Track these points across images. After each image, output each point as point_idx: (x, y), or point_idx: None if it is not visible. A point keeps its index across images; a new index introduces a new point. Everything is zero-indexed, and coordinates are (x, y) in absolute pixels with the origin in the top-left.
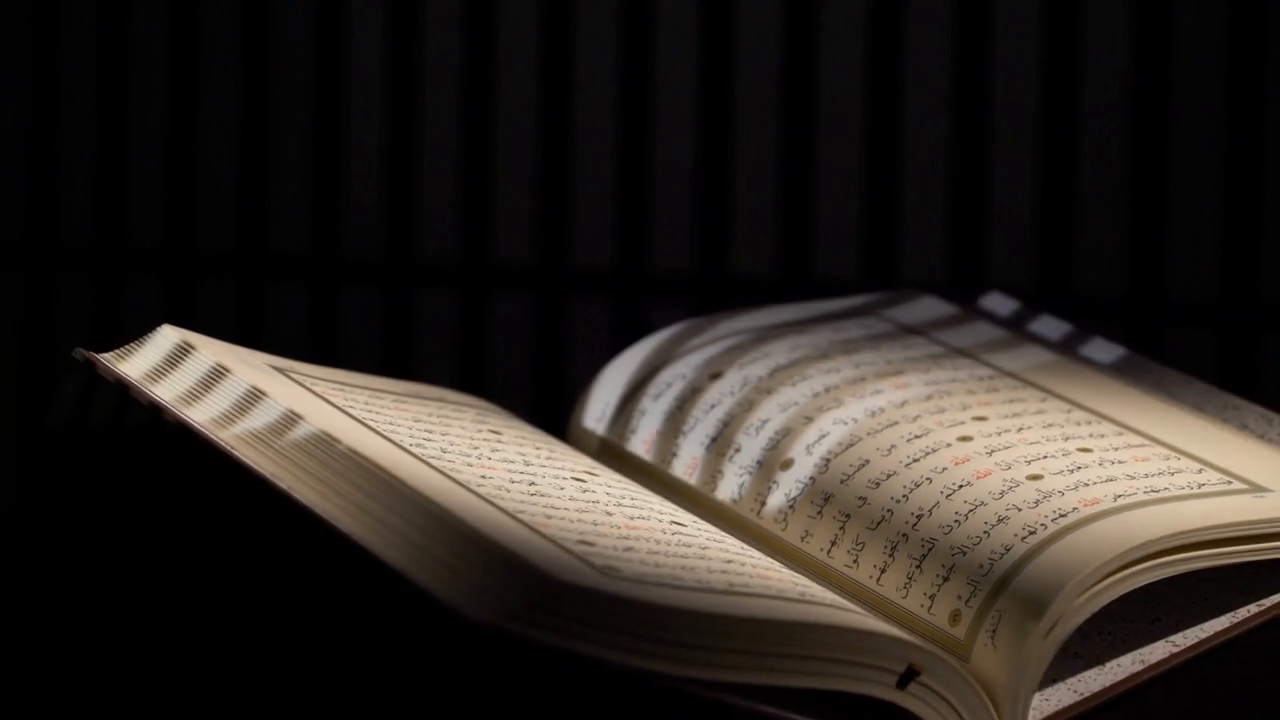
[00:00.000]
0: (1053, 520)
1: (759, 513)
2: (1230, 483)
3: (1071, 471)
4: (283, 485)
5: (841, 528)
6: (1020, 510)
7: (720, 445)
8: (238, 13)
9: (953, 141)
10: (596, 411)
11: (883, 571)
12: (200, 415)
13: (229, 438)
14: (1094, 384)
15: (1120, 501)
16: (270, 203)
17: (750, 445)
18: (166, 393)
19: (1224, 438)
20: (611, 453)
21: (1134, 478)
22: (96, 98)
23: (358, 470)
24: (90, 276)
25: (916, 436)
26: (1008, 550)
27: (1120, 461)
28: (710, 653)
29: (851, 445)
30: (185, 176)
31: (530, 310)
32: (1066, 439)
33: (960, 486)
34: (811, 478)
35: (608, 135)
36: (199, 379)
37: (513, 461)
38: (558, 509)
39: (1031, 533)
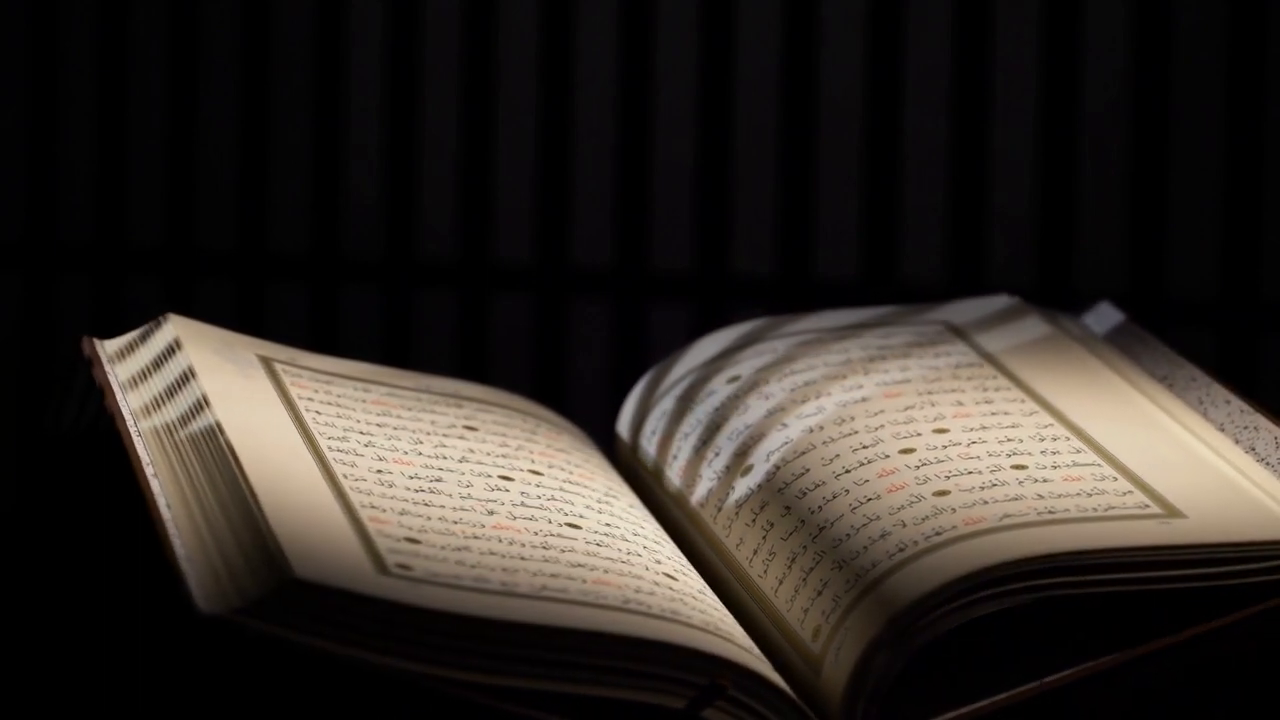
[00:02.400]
0: (925, 539)
1: (715, 518)
2: (1148, 506)
3: (983, 489)
4: (148, 468)
5: (764, 536)
6: (905, 526)
7: (704, 449)
8: (238, 13)
9: (953, 141)
10: (628, 413)
11: (780, 583)
12: (132, 398)
13: (134, 415)
14: (1115, 393)
15: (1005, 521)
16: (270, 203)
17: (727, 449)
18: (123, 374)
19: (1202, 459)
20: (635, 456)
21: (1043, 497)
22: (96, 98)
23: (221, 459)
24: (90, 276)
25: (864, 446)
26: (874, 567)
27: (1046, 480)
28: (484, 658)
29: (803, 453)
30: (185, 176)
31: (530, 310)
32: (1011, 454)
33: (867, 500)
34: (759, 484)
35: (608, 135)
36: (155, 363)
37: (443, 458)
38: (429, 505)
39: (901, 550)
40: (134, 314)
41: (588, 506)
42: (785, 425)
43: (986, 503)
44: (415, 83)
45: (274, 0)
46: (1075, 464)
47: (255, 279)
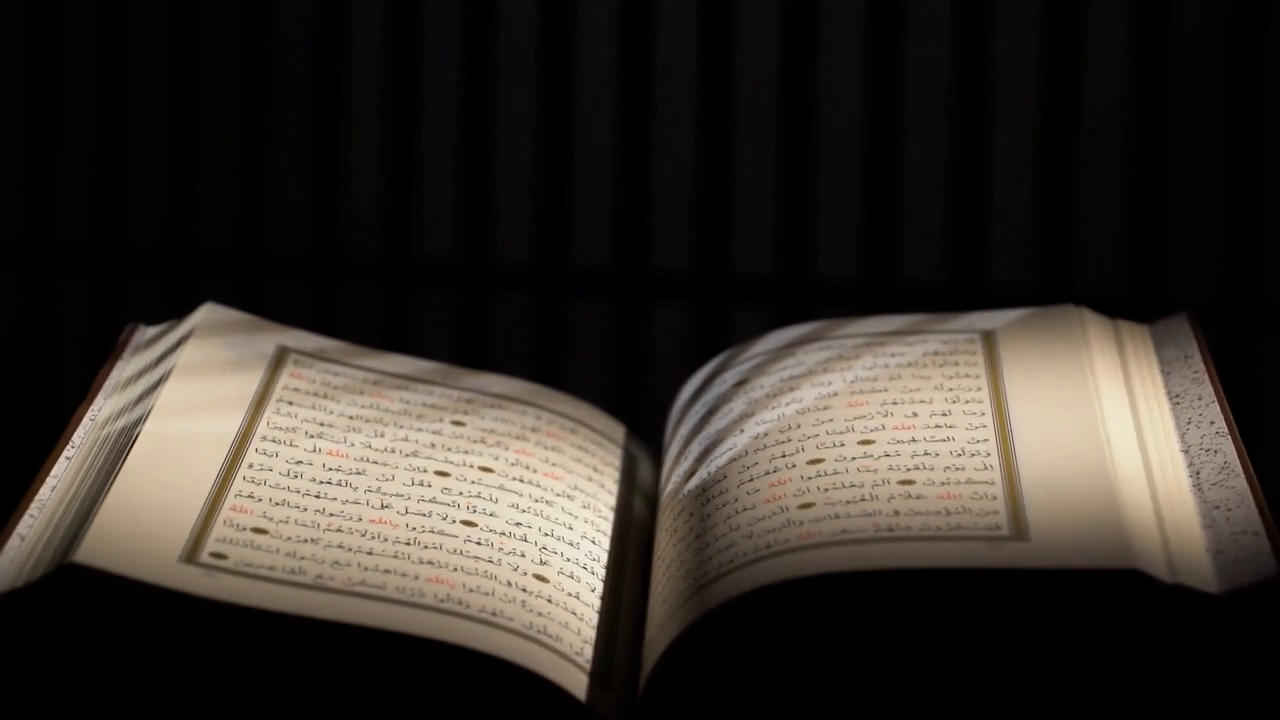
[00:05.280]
0: (756, 551)
1: (660, 522)
2: (997, 528)
3: (849, 503)
4: (68, 450)
5: (667, 541)
6: (750, 538)
7: (684, 450)
8: (238, 13)
9: (953, 141)
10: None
11: (655, 589)
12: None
13: (105, 402)
14: (1089, 407)
15: (838, 537)
16: (270, 203)
17: (694, 453)
18: (131, 362)
19: (1113, 481)
20: (659, 455)
21: (898, 514)
22: (96, 98)
23: (122, 447)
24: (90, 276)
25: (783, 456)
26: (703, 578)
27: (920, 497)
28: (265, 648)
29: (735, 460)
30: (185, 176)
31: (530, 310)
32: (911, 469)
33: (743, 511)
34: (692, 489)
35: (608, 135)
36: (159, 352)
37: (390, 452)
38: (320, 498)
39: (730, 562)
40: (134, 314)
41: (512, 505)
42: (743, 430)
43: (838, 517)
44: (415, 83)
45: (274, 0)
46: (969, 481)
47: (255, 279)
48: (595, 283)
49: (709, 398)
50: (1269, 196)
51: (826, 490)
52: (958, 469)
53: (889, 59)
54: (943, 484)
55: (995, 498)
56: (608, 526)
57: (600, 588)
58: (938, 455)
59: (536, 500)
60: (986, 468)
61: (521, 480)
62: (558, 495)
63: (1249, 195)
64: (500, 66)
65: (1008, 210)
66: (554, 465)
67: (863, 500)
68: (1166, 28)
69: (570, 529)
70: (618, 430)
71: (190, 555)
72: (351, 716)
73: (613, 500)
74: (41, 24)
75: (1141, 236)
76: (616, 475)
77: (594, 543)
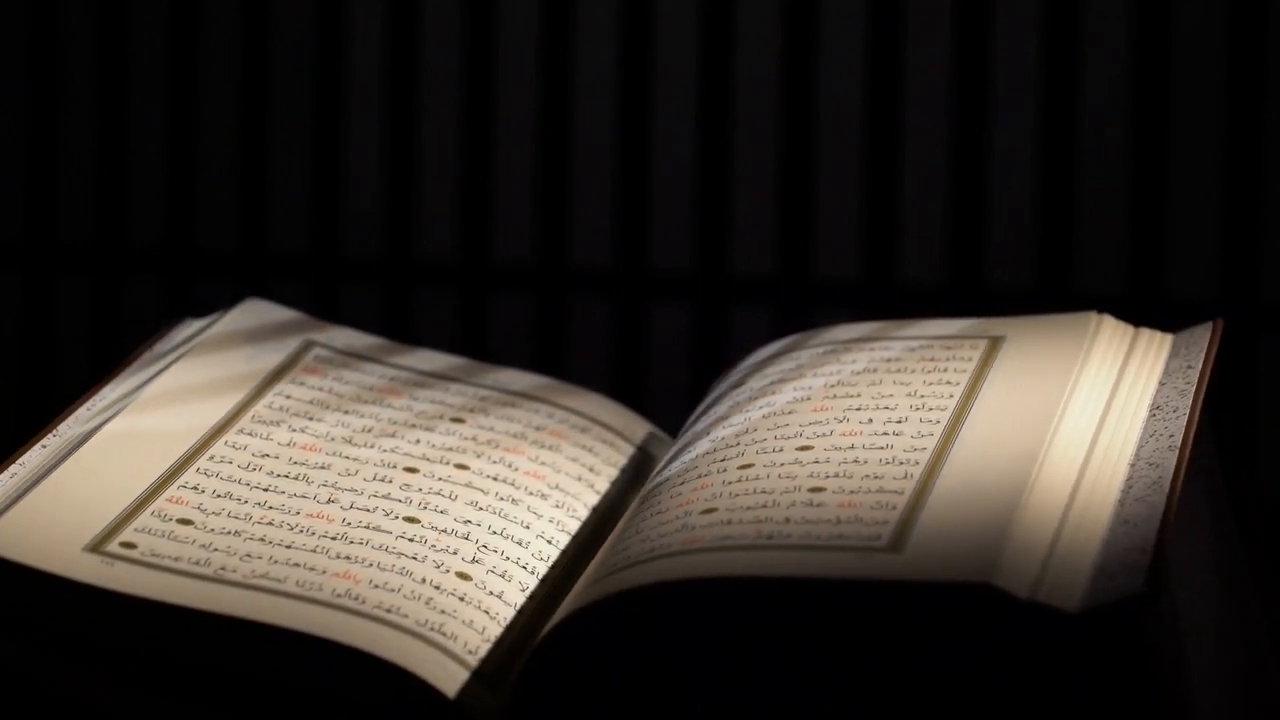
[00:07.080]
0: (640, 554)
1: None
2: (877, 539)
3: (748, 509)
4: (48, 437)
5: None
6: (644, 541)
7: (668, 454)
8: (238, 13)
9: (953, 141)
10: None
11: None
12: (132, 380)
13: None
14: (1048, 420)
15: (719, 543)
16: (270, 203)
17: (670, 454)
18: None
19: (1020, 493)
20: None
21: (789, 521)
22: (96, 98)
23: (86, 437)
24: (90, 276)
25: (721, 460)
26: (594, 580)
27: (820, 505)
28: (162, 637)
29: (683, 463)
30: (185, 176)
31: (530, 310)
32: (830, 476)
33: (656, 514)
34: (643, 493)
35: (608, 135)
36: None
37: (367, 448)
38: (268, 491)
39: (615, 565)
40: (134, 314)
41: (470, 503)
42: (709, 434)
43: (729, 523)
44: (415, 83)
45: (274, 0)
46: (880, 490)
47: (255, 279)
48: (595, 283)
49: (710, 399)
50: (1269, 196)
51: (736, 496)
52: (876, 478)
53: (889, 59)
54: (851, 493)
55: (894, 508)
56: (574, 526)
57: (534, 587)
58: (865, 463)
59: (502, 499)
60: (906, 476)
61: (495, 478)
62: (530, 494)
63: (1249, 195)
64: (500, 66)
65: (1008, 210)
66: (541, 464)
67: (763, 507)
68: (1166, 28)
69: (526, 528)
70: (640, 430)
71: (98, 545)
72: (266, 714)
73: (596, 500)
74: (41, 24)
75: (1141, 236)
76: (615, 475)
77: (550, 542)
